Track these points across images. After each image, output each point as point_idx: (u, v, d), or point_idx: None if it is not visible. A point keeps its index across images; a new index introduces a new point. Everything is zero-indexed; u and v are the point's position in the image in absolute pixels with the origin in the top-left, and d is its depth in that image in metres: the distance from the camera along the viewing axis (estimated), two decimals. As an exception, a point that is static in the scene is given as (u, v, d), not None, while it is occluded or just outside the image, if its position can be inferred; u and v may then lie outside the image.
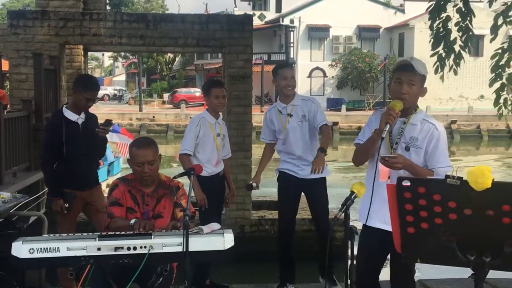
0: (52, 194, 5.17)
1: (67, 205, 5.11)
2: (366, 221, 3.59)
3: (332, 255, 5.45)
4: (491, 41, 6.97)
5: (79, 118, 5.16)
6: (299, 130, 5.36)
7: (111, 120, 5.32)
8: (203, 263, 5.02)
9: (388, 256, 3.70)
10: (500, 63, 7.00)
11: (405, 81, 3.52)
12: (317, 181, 5.37)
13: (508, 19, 6.88)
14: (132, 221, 3.61)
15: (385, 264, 3.80)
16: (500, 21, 6.84)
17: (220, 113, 5.64)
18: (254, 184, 5.54)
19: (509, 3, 6.88)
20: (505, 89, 7.18)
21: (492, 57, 7.07)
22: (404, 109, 3.55)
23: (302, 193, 5.60)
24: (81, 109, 5.17)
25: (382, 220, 3.52)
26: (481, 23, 7.85)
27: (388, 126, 3.38)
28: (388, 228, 3.47)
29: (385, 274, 3.84)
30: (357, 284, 3.04)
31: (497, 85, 7.06)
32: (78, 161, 5.13)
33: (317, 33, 44.47)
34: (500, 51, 7.02)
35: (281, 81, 5.36)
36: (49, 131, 5.24)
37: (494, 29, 6.80)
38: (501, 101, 7.19)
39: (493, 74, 7.03)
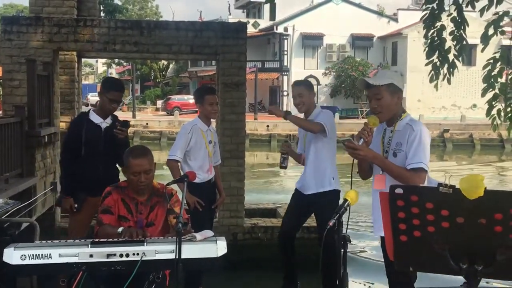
0: (63, 191, 5.22)
1: (76, 205, 5.13)
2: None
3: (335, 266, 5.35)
4: (482, 50, 6.99)
5: (103, 122, 5.16)
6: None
7: (129, 121, 5.26)
8: (196, 270, 5.01)
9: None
10: (492, 73, 7.02)
11: (372, 97, 3.63)
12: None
13: (499, 29, 6.91)
14: (120, 229, 3.58)
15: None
16: (491, 31, 6.87)
17: (212, 120, 5.66)
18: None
19: (500, 13, 6.91)
20: (498, 99, 7.20)
21: (484, 67, 7.09)
22: (389, 119, 3.66)
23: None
24: (106, 112, 5.18)
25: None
26: (473, 33, 7.89)
27: (362, 140, 3.46)
28: None
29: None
30: None
31: (489, 95, 7.07)
32: (95, 165, 5.11)
33: (310, 41, 44.58)
34: (492, 61, 7.05)
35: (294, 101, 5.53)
36: (69, 130, 5.35)
37: (485, 39, 6.83)
38: (494, 111, 7.18)
39: (486, 84, 7.05)
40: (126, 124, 5.13)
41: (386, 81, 3.58)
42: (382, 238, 3.69)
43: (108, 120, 5.18)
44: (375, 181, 3.66)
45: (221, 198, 5.81)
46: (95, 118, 5.18)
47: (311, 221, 8.07)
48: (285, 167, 5.67)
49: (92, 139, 5.10)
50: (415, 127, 3.57)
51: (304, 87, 5.48)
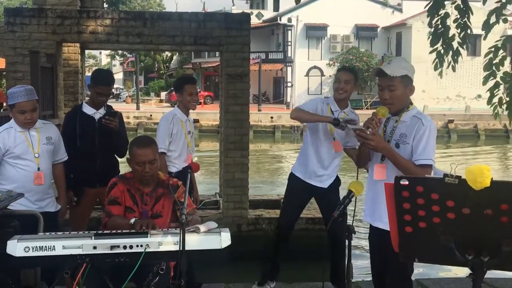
0: None
1: (76, 198, 5.16)
2: (369, 220, 3.66)
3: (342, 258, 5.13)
4: (484, 38, 6.96)
5: (96, 113, 5.15)
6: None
7: (115, 111, 5.19)
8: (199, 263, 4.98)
9: None
10: (494, 62, 6.98)
11: (385, 87, 3.53)
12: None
13: (502, 17, 6.85)
14: (132, 220, 3.59)
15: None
16: (493, 19, 6.82)
17: (190, 111, 5.57)
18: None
19: (503, 1, 6.86)
20: (500, 87, 7.15)
21: (486, 55, 7.05)
22: (396, 110, 3.58)
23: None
24: (97, 104, 5.17)
25: (380, 219, 3.53)
26: (478, 23, 7.82)
27: (370, 130, 3.39)
28: (386, 227, 3.50)
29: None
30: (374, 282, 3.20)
31: (491, 83, 7.03)
32: (92, 157, 5.11)
33: (314, 32, 44.47)
34: (493, 49, 7.00)
35: (335, 84, 5.37)
36: (64, 123, 5.35)
37: (487, 26, 6.78)
38: (496, 100, 7.15)
39: (487, 72, 7.01)
40: (114, 113, 5.09)
41: (402, 72, 3.50)
42: (374, 228, 3.67)
43: (102, 111, 5.16)
44: (375, 171, 3.60)
45: (195, 192, 5.62)
46: (88, 109, 5.17)
47: (316, 213, 8.10)
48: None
49: (87, 130, 5.10)
50: (424, 121, 3.50)
51: (351, 77, 5.36)
